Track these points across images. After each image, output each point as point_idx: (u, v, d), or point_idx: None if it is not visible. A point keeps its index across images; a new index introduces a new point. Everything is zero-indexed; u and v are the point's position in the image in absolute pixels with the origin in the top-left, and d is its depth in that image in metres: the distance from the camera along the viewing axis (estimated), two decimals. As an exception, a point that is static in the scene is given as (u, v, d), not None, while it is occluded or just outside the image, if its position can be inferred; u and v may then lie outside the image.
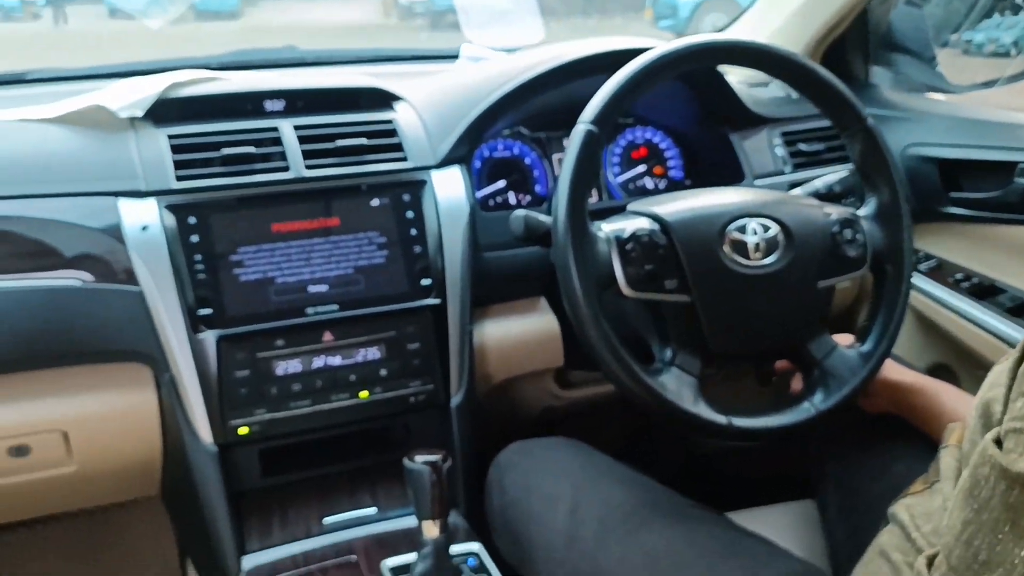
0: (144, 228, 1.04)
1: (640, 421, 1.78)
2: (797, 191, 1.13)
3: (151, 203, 1.06)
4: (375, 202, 1.14)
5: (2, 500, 1.17)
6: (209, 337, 1.05)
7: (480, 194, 1.34)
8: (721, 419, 0.97)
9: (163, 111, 1.15)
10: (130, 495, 1.39)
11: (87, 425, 1.09)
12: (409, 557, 1.00)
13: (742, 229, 1.00)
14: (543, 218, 1.03)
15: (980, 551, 0.51)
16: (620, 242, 0.98)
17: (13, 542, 1.55)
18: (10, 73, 1.45)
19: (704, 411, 0.97)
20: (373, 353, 1.12)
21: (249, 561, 1.06)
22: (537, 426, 1.44)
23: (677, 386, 0.98)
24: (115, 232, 1.04)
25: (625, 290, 0.98)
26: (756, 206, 1.02)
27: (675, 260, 0.99)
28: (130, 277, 1.04)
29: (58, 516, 1.54)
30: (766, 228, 1.01)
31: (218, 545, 1.07)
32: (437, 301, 1.15)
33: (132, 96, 1.15)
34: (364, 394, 1.12)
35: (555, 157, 1.39)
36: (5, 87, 1.41)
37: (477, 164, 1.34)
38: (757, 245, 1.00)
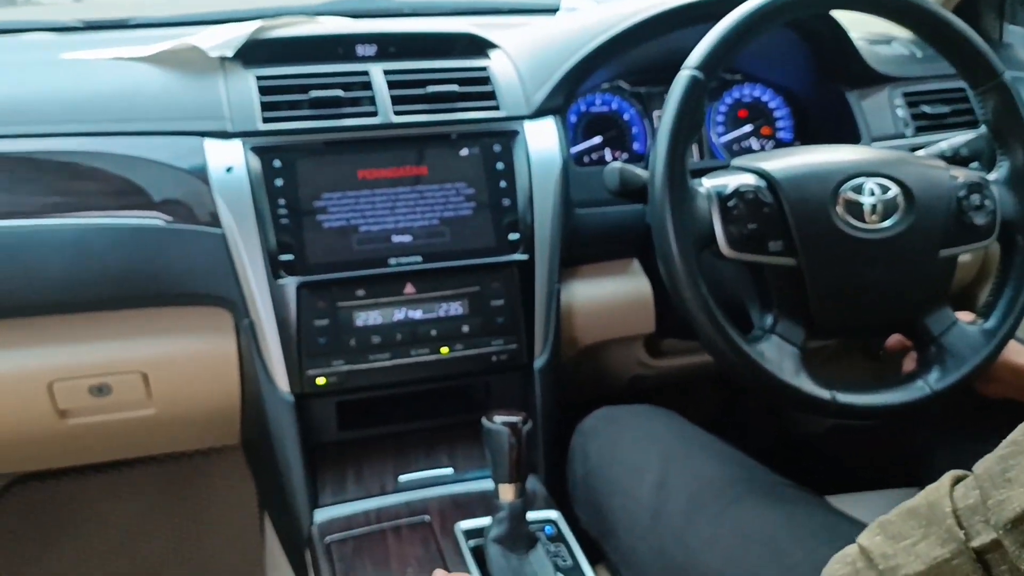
0: (228, 170, 1.02)
1: (733, 396, 1.71)
2: (920, 152, 1.04)
3: (236, 144, 1.04)
4: (464, 152, 1.10)
5: (85, 440, 1.18)
6: (289, 284, 1.03)
7: (575, 150, 1.28)
8: (824, 394, 0.90)
9: (253, 52, 1.12)
10: (211, 443, 1.40)
11: (167, 368, 1.08)
12: (484, 521, 0.96)
13: (858, 189, 0.93)
14: (640, 172, 0.97)
15: (1010, 469, 0.51)
16: (722, 199, 0.92)
17: (97, 485, 1.58)
18: (113, 19, 1.46)
19: (806, 384, 0.90)
20: (455, 308, 1.08)
21: (322, 514, 1.04)
22: (624, 396, 1.39)
23: (777, 355, 0.91)
24: (200, 173, 1.02)
25: (725, 250, 0.91)
26: (874, 164, 0.94)
27: (781, 220, 0.92)
28: (213, 219, 1.02)
29: (141, 460, 1.57)
30: (884, 189, 0.93)
31: (291, 497, 1.05)
32: (524, 257, 1.10)
33: (223, 37, 1.12)
34: (445, 350, 1.08)
35: (655, 114, 1.32)
36: (107, 31, 1.41)
37: (573, 119, 1.28)
38: (874, 207, 0.92)
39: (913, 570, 0.52)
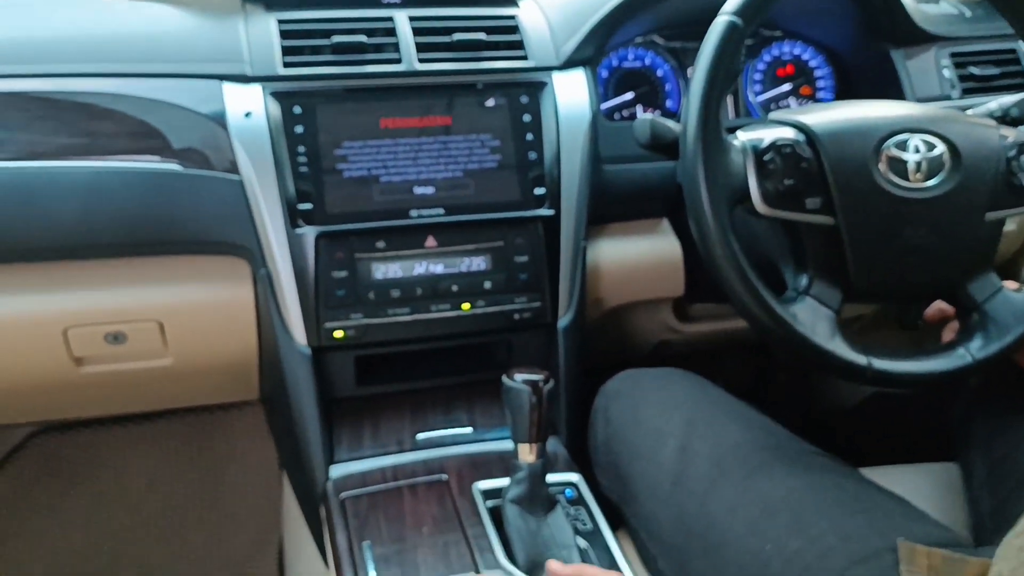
0: (247, 115, 0.99)
1: (762, 367, 1.67)
2: (968, 112, 0.99)
3: (256, 89, 1.01)
4: (490, 102, 1.06)
5: (102, 390, 1.17)
6: (308, 233, 1.00)
7: (605, 106, 1.24)
8: (860, 359, 0.86)
9: (276, -5, 1.09)
10: (231, 397, 1.38)
11: (183, 317, 1.06)
12: (502, 481, 0.94)
13: (902, 145, 0.88)
14: (672, 124, 0.93)
15: None
16: (758, 152, 0.87)
17: (117, 437, 1.58)
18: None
19: (840, 348, 0.86)
20: (478, 263, 1.05)
21: (337, 470, 1.02)
22: (650, 362, 1.35)
23: (811, 318, 0.87)
24: (218, 117, 0.99)
25: (759, 207, 0.87)
26: (920, 120, 0.90)
27: (820, 176, 0.87)
28: (231, 165, 1.00)
29: (161, 414, 1.56)
30: (930, 146, 0.88)
31: (307, 452, 1.03)
32: (550, 212, 1.06)
33: (245, -22, 1.09)
34: (466, 306, 1.05)
35: (690, 70, 1.27)
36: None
37: (604, 74, 1.24)
38: (918, 165, 0.88)
39: None
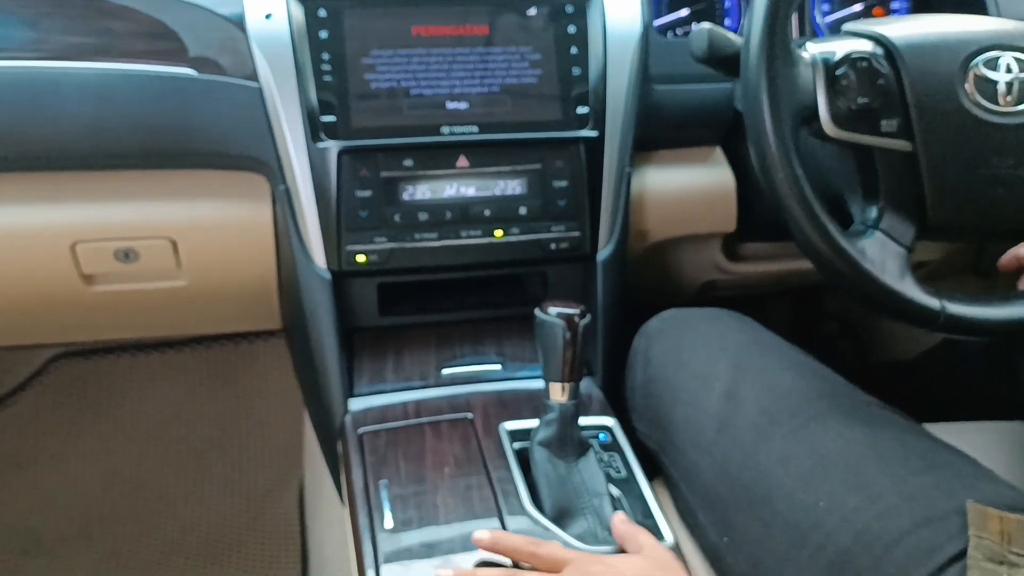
0: (268, 16, 0.92)
1: (811, 313, 1.58)
2: None
3: (277, -12, 0.93)
4: (532, 11, 0.97)
5: (116, 312, 1.12)
6: (330, 148, 0.93)
7: (659, 22, 1.15)
8: (932, 302, 0.78)
9: None
10: (251, 325, 1.33)
11: (197, 235, 1.00)
12: (531, 422, 0.88)
13: (992, 64, 0.79)
14: (733, 37, 0.83)
15: None
16: (829, 67, 0.78)
17: (138, 365, 1.55)
18: None
19: (911, 289, 0.78)
20: (513, 187, 0.97)
21: (356, 404, 0.96)
22: (693, 304, 1.28)
23: (880, 255, 0.79)
24: (237, 19, 0.92)
25: (828, 128, 0.78)
26: (1013, 37, 0.81)
27: (898, 95, 0.79)
28: (250, 72, 0.93)
29: (184, 342, 1.52)
30: (1024, 66, 0.78)
31: (325, 383, 0.97)
32: (594, 134, 0.98)
33: None
34: (499, 233, 0.97)
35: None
36: None
37: None
38: (1009, 86, 0.79)
39: None
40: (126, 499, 1.49)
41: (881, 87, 0.78)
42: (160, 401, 1.57)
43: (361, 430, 0.91)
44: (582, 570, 0.70)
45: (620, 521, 0.77)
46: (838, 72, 0.78)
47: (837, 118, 0.78)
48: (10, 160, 0.93)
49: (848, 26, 0.84)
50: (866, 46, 0.80)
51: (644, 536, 0.75)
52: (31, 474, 1.49)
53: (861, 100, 0.78)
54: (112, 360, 1.56)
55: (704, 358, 0.88)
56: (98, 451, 1.52)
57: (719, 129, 1.09)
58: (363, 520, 0.80)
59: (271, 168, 0.95)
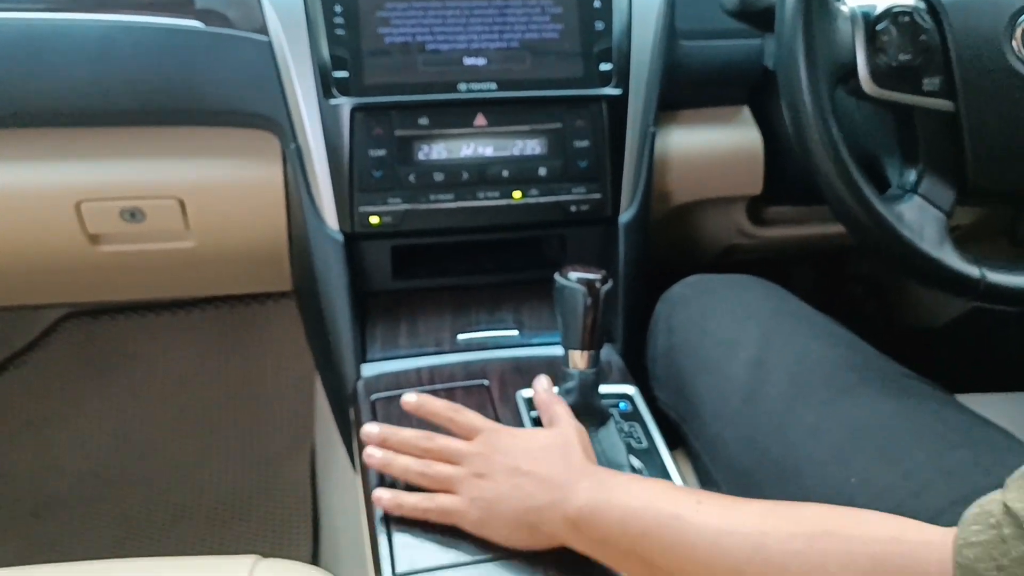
0: None
1: (836, 277, 1.55)
2: None
3: (288, -64, 0.89)
4: (554, -39, 0.93)
5: (124, 272, 1.10)
6: (343, 105, 0.89)
7: (685, -25, 1.10)
8: (972, 270, 0.74)
9: None
10: (262, 287, 1.31)
11: (205, 195, 0.97)
12: (549, 390, 0.84)
13: None
14: None
15: None
16: (869, 21, 0.75)
17: (149, 326, 1.53)
18: None
19: (950, 256, 0.74)
20: (532, 147, 0.93)
21: (369, 369, 0.93)
22: (715, 268, 1.24)
23: (918, 219, 0.75)
24: None
25: (867, 86, 0.75)
26: None
27: (942, 52, 0.75)
28: (259, 25, 0.89)
29: (195, 303, 1.50)
30: (1077, 21, 0.74)
31: (337, 348, 0.95)
32: (617, 92, 0.94)
33: None
34: (517, 195, 0.94)
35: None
36: None
37: None
38: (1059, 44, 0.74)
39: None
40: (137, 461, 1.48)
41: (923, 44, 0.75)
42: (170, 362, 1.55)
43: (374, 396, 0.89)
44: (492, 440, 0.70)
45: (541, 390, 0.77)
46: (878, 27, 0.74)
47: (876, 76, 0.75)
48: (10, 116, 0.90)
49: (890, -22, 0.80)
50: (908, 0, 0.75)
51: (560, 408, 0.74)
52: (42, 435, 1.48)
53: (902, 57, 0.74)
54: (122, 320, 1.55)
55: (730, 326, 0.85)
56: (108, 412, 1.51)
57: (747, 87, 1.05)
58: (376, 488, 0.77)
59: (281, 126, 0.92)
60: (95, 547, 1.37)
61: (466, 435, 0.73)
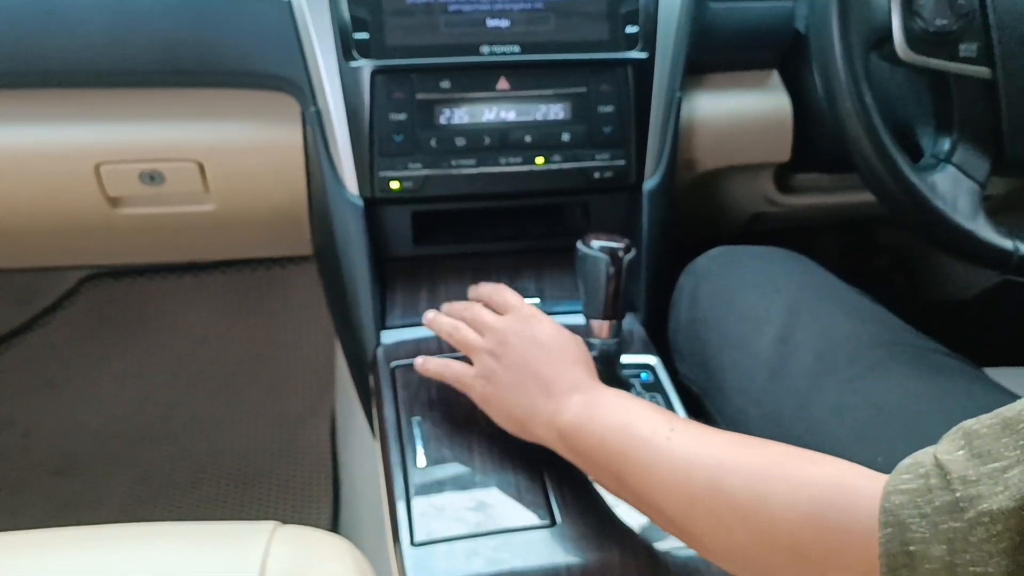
0: None
1: (862, 247, 1.52)
2: None
3: None
4: (580, -81, 0.90)
5: (144, 235, 1.09)
6: (363, 67, 0.87)
7: (715, -67, 1.06)
8: (1006, 243, 0.73)
9: None
10: (282, 251, 1.31)
11: (224, 158, 0.96)
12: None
13: None
14: None
15: None
16: None
17: (170, 287, 1.53)
18: None
19: (983, 229, 0.73)
20: (556, 111, 0.92)
21: (389, 336, 0.92)
22: (739, 236, 1.22)
23: (952, 190, 0.73)
24: None
25: (902, 52, 0.72)
26: None
27: (980, 17, 0.73)
28: None
29: (216, 265, 1.50)
30: None
31: (357, 314, 0.94)
32: (643, 55, 0.92)
33: None
34: (540, 160, 0.92)
35: None
36: None
37: None
38: (1106, 9, 0.71)
39: (997, 505, 0.39)
40: (158, 422, 1.48)
41: (961, 8, 0.72)
42: (191, 324, 1.55)
43: (393, 364, 0.88)
44: (516, 323, 0.74)
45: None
46: None
47: (912, 41, 0.72)
48: (26, 76, 0.90)
49: (929, -61, 0.77)
50: None
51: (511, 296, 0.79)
52: (64, 395, 1.49)
53: (939, 22, 0.72)
54: (143, 282, 1.55)
55: (756, 300, 0.84)
56: (130, 373, 1.52)
57: (777, 51, 1.02)
58: (395, 457, 0.77)
59: (301, 88, 0.90)
60: (117, 506, 1.38)
61: (500, 309, 0.78)
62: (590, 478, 0.73)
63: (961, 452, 0.42)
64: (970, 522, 0.40)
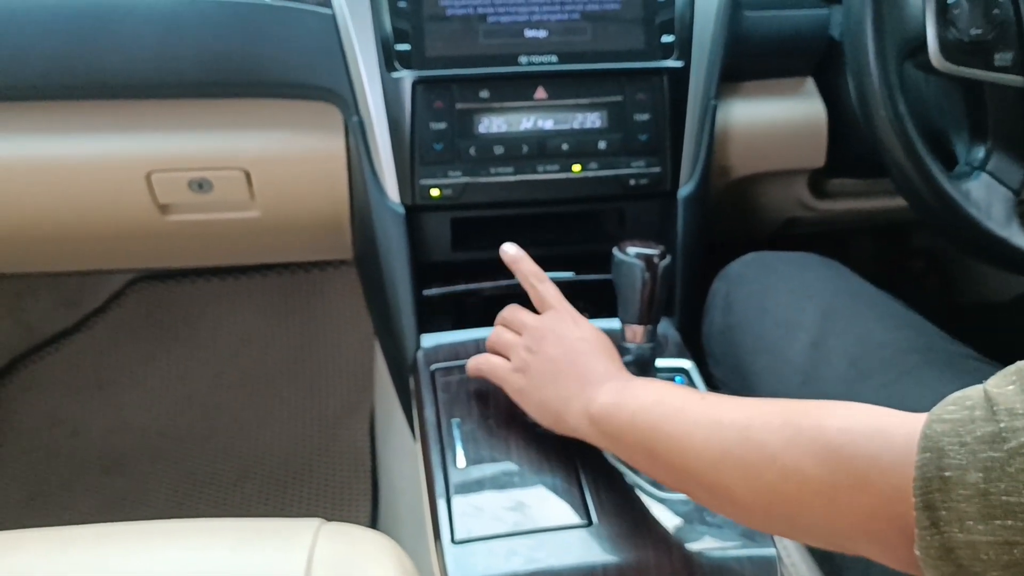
0: None
1: (897, 250, 1.52)
2: None
3: (351, -91, 0.89)
4: (616, -69, 0.92)
5: (192, 240, 1.13)
6: (405, 78, 0.90)
7: (750, -58, 1.07)
8: None
9: None
10: (324, 255, 1.33)
11: (270, 167, 0.99)
12: (606, 364, 0.85)
13: None
14: None
15: None
16: None
17: (214, 290, 1.56)
18: None
19: (1018, 236, 0.73)
20: (593, 120, 0.93)
21: (429, 340, 0.94)
22: (774, 240, 1.23)
23: (985, 198, 0.74)
24: None
25: (936, 61, 0.73)
26: None
27: (1015, 26, 0.74)
28: None
29: (258, 268, 1.53)
30: None
31: (398, 318, 0.96)
32: (679, 64, 0.93)
33: None
34: (577, 168, 0.94)
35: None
36: None
37: None
38: None
39: None
40: (202, 421, 1.52)
41: (996, 18, 0.73)
42: (234, 325, 1.59)
43: (433, 367, 0.90)
44: (553, 322, 0.77)
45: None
46: (950, 1, 0.72)
47: (946, 50, 0.73)
48: (82, 88, 0.93)
49: (964, -51, 0.78)
50: None
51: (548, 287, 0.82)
52: (112, 395, 1.53)
53: (974, 32, 0.73)
54: (188, 284, 1.58)
55: (789, 305, 0.85)
56: (175, 374, 1.55)
57: (812, 59, 1.02)
58: (435, 457, 0.79)
59: (344, 99, 0.93)
60: (163, 503, 1.42)
61: (539, 306, 0.82)
62: (626, 478, 0.75)
63: (1012, 387, 0.43)
64: (1010, 452, 0.40)
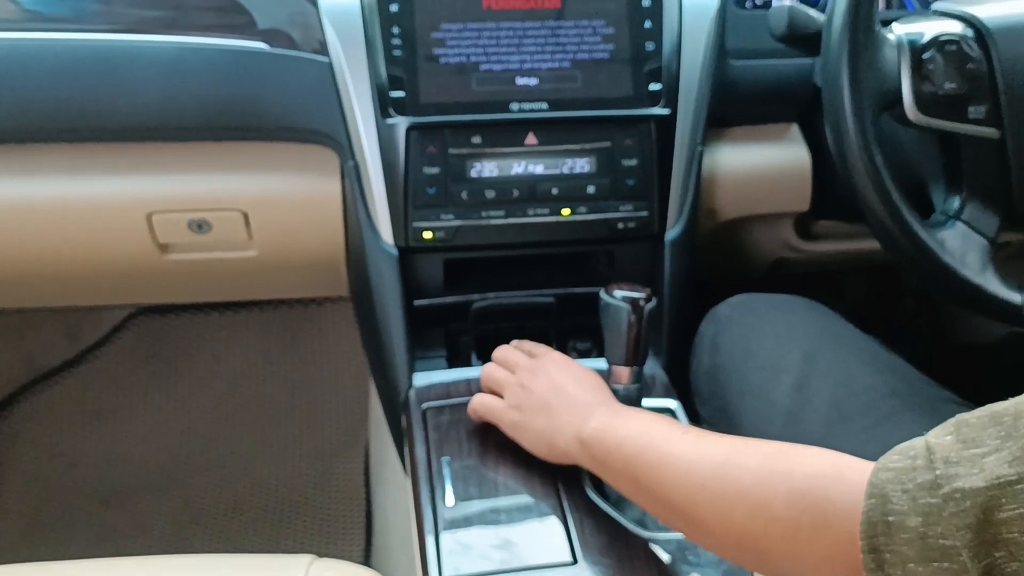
0: None
1: (886, 291, 1.53)
2: None
3: (349, -38, 0.92)
4: (606, -17, 0.95)
5: (191, 278, 1.15)
6: (399, 124, 0.92)
7: (738, -8, 1.10)
8: (1014, 296, 0.75)
9: None
10: (320, 292, 1.35)
11: (268, 208, 1.01)
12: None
13: None
14: (814, 14, 0.80)
15: None
16: (916, 49, 0.75)
17: (214, 324, 1.58)
18: None
19: (992, 283, 0.75)
20: (582, 165, 0.96)
21: (421, 379, 0.96)
22: (762, 282, 1.25)
23: (961, 246, 0.76)
24: None
25: (911, 114, 0.75)
26: None
27: (989, 80, 0.76)
28: (320, 46, 0.93)
29: (256, 303, 1.54)
30: None
31: (390, 357, 0.98)
32: (666, 111, 0.96)
33: None
34: (566, 212, 0.96)
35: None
36: None
37: None
38: (1110, 73, 0.74)
39: (970, 485, 0.42)
40: (200, 454, 1.53)
41: (970, 72, 0.75)
42: (232, 359, 1.60)
43: (425, 405, 0.92)
44: (544, 362, 0.81)
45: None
46: (925, 56, 0.75)
47: (921, 104, 0.75)
48: (87, 132, 0.95)
49: (938, 5, 0.81)
50: (956, 27, 0.76)
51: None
52: (111, 427, 1.54)
53: (948, 86, 0.75)
54: (186, 318, 1.60)
55: (774, 348, 0.86)
56: (173, 406, 1.57)
57: (797, 105, 1.05)
58: (425, 495, 0.80)
59: (340, 143, 0.95)
60: (160, 536, 1.43)
61: (529, 354, 0.86)
62: (611, 513, 0.76)
63: (949, 437, 0.46)
64: (944, 497, 0.43)
